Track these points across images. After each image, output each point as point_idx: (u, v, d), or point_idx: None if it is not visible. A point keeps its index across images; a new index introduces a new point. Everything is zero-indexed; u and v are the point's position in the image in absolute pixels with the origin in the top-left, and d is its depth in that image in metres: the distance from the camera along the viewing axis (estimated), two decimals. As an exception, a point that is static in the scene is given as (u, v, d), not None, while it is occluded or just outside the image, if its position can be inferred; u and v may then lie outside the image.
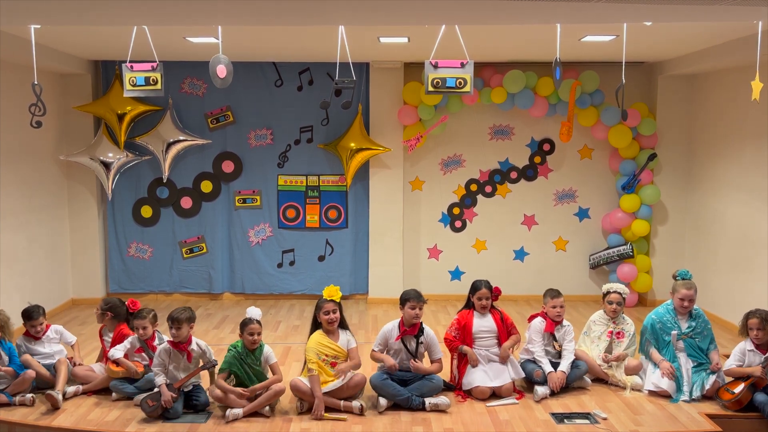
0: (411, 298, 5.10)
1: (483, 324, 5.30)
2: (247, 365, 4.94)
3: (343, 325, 5.17)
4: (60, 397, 4.99)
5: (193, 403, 4.96)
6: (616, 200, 8.39)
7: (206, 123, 8.28)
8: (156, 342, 5.30)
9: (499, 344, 5.31)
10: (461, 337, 5.28)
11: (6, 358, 5.12)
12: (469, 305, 5.40)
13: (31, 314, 5.30)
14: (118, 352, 5.19)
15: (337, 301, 5.08)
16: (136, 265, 8.49)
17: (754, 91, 4.65)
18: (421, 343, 5.15)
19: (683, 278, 5.37)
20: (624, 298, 5.54)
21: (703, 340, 5.30)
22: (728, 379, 5.13)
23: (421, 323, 5.18)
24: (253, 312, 5.03)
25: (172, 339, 5.01)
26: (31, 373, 5.07)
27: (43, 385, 5.18)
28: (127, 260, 8.48)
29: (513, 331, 5.37)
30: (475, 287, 5.36)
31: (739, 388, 4.91)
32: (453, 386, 5.31)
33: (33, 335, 5.34)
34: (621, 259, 8.09)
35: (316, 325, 5.16)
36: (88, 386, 5.22)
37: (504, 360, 5.24)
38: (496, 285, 5.41)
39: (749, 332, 5.04)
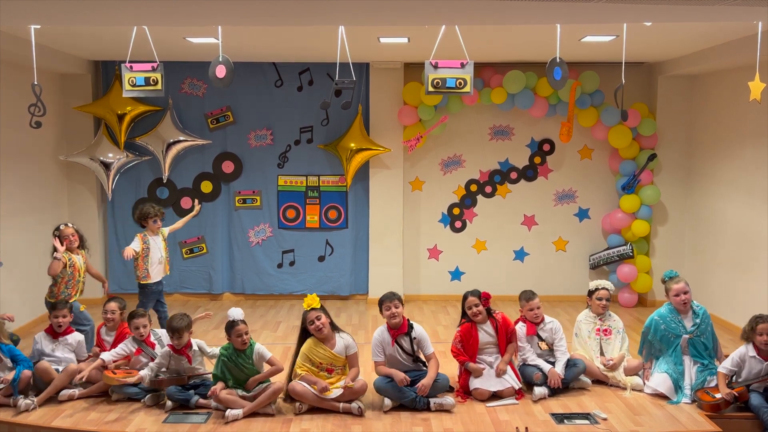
0: (385, 300, 5.11)
1: (486, 337, 5.23)
2: (240, 366, 4.94)
3: (336, 328, 5.14)
4: (29, 405, 4.89)
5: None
6: (616, 200, 8.39)
7: (206, 123, 8.28)
8: (153, 339, 5.31)
9: (500, 352, 5.27)
10: (466, 351, 5.20)
11: (8, 360, 5.09)
12: (466, 317, 5.30)
13: (55, 305, 5.35)
14: (108, 355, 5.18)
15: (317, 307, 5.04)
16: (136, 266, 8.48)
17: (753, 91, 4.65)
18: (415, 338, 5.14)
19: (671, 277, 5.40)
20: (611, 294, 5.59)
21: (707, 339, 5.30)
22: (713, 382, 5.11)
23: (408, 320, 5.17)
24: (235, 313, 4.95)
25: (173, 345, 5.06)
26: (27, 372, 5.01)
27: (44, 387, 5.11)
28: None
29: (512, 338, 5.30)
30: (464, 297, 5.29)
31: (719, 394, 4.90)
32: (452, 387, 5.30)
33: (54, 330, 5.31)
34: (621, 259, 8.09)
35: (305, 335, 5.11)
36: (85, 391, 5.17)
37: (500, 375, 5.17)
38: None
39: (758, 337, 4.88)
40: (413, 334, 5.13)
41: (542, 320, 5.44)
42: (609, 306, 5.60)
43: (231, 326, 4.93)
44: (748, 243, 7.00)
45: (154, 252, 6.31)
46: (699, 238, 8.02)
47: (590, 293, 5.63)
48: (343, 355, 5.06)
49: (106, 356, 5.17)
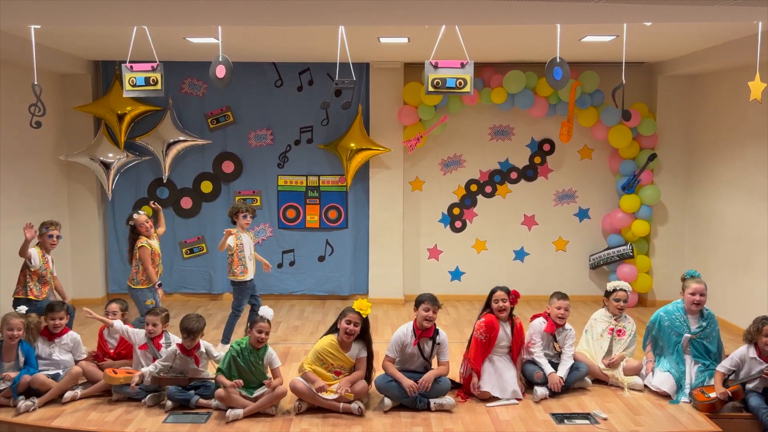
0: (426, 301, 5.09)
1: (503, 335, 5.26)
2: (250, 363, 4.94)
3: (362, 338, 5.09)
4: (30, 407, 4.88)
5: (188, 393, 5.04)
6: (616, 200, 8.39)
7: (206, 123, 8.28)
8: (162, 341, 5.30)
9: (510, 354, 5.30)
10: (487, 341, 5.21)
11: (22, 359, 5.09)
12: (488, 308, 5.31)
13: (53, 307, 5.32)
14: (120, 324, 5.32)
15: (364, 316, 5.02)
16: (136, 266, 8.47)
17: (753, 91, 4.66)
18: (438, 344, 5.14)
19: (692, 276, 5.38)
20: (628, 296, 5.60)
21: (711, 342, 5.29)
22: (712, 383, 5.10)
23: (435, 325, 5.17)
24: (266, 311, 5.06)
25: (182, 344, 5.07)
26: (26, 378, 4.99)
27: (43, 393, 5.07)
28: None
29: (520, 349, 5.35)
30: (492, 291, 5.30)
31: (713, 394, 4.90)
32: (454, 383, 5.30)
33: (50, 331, 5.26)
34: (621, 259, 8.09)
35: (335, 329, 5.12)
36: (87, 391, 5.16)
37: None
38: (497, 285, 5.38)
39: (764, 338, 4.87)
40: (437, 339, 5.14)
41: (563, 324, 5.45)
42: (625, 307, 5.60)
43: (255, 321, 4.99)
44: (747, 243, 7.00)
45: (247, 247, 6.35)
46: (699, 237, 8.02)
47: (608, 294, 5.64)
48: (354, 358, 5.08)
49: (118, 324, 5.30)
